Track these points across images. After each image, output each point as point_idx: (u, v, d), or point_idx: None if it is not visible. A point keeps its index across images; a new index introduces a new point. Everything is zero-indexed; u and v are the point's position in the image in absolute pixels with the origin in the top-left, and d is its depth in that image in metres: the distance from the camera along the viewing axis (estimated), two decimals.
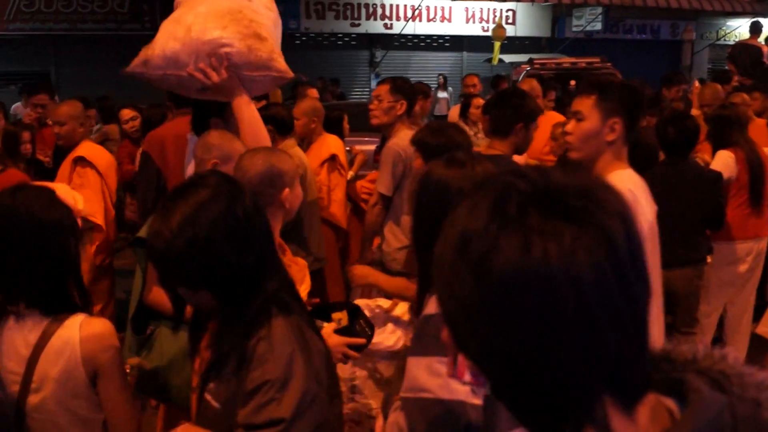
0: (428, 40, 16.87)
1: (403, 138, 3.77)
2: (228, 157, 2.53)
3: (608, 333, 0.72)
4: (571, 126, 2.48)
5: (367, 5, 15.88)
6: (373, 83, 16.36)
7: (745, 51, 11.71)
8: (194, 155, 2.69)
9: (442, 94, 14.83)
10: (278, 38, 2.91)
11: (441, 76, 15.28)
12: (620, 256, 0.73)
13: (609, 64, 11.83)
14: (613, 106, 2.39)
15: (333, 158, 4.67)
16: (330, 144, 4.76)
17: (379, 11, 15.96)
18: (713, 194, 4.02)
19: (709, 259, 4.27)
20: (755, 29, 12.11)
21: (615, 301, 0.72)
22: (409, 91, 4.10)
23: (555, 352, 0.72)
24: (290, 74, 2.82)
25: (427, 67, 16.99)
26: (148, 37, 2.80)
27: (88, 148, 4.43)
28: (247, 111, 2.73)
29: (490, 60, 15.74)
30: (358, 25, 16.01)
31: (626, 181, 2.34)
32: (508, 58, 15.34)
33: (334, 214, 4.62)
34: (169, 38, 2.70)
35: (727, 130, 4.38)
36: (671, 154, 4.02)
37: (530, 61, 11.89)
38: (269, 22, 2.87)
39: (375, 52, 16.66)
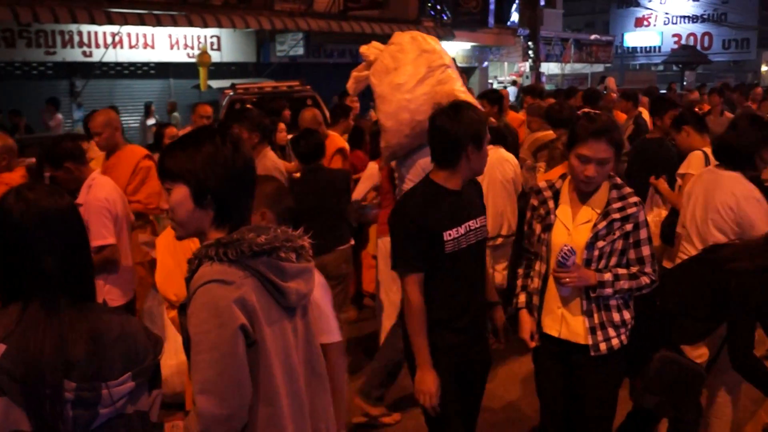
0: (132, 68, 16.48)
1: None
2: None
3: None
4: None
5: (62, 32, 15.08)
6: (76, 113, 15.66)
7: None
8: None
9: (150, 121, 14.71)
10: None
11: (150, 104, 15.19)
12: None
13: (308, 87, 12.61)
14: None
15: None
16: None
17: (76, 39, 15.26)
18: (347, 192, 4.74)
19: (351, 242, 4.87)
20: None
21: None
22: None
23: None
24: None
25: (132, 95, 16.60)
26: None
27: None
28: None
29: (198, 86, 15.88)
30: (54, 53, 15.16)
31: None
32: (216, 83, 15.57)
33: None
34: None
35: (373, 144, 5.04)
36: (304, 162, 4.67)
37: (233, 86, 12.21)
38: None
39: (75, 82, 15.90)
